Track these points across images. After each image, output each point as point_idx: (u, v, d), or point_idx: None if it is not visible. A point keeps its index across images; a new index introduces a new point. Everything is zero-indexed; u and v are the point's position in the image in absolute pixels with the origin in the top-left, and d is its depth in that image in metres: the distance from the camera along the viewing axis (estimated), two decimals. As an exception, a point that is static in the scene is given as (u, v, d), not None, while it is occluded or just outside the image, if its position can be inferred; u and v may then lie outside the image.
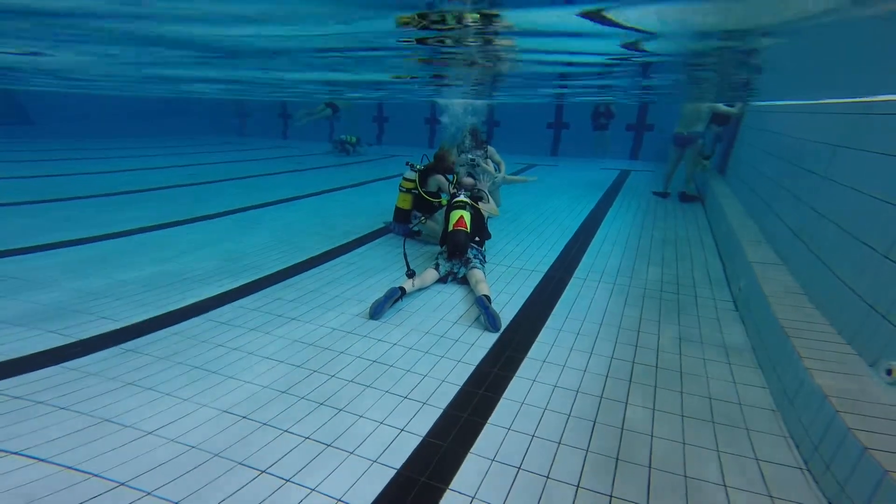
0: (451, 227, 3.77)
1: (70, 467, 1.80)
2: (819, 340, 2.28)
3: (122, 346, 2.69)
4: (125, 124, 15.82)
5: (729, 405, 2.30)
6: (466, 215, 3.80)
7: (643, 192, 8.05)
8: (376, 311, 3.06)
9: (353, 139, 12.55)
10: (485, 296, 3.16)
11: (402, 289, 3.25)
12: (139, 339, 2.76)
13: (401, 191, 4.85)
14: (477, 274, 3.53)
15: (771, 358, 2.48)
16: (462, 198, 3.98)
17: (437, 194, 4.76)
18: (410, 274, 3.55)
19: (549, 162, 12.41)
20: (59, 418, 2.07)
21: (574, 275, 4.06)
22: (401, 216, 4.94)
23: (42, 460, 1.83)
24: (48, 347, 2.65)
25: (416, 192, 4.70)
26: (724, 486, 1.82)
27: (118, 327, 2.90)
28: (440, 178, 4.66)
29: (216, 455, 1.89)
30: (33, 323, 2.91)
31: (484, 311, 3.02)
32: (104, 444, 1.93)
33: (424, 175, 4.70)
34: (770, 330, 2.55)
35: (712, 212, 6.09)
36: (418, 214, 4.81)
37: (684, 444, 2.03)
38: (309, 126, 12.97)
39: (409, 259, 3.81)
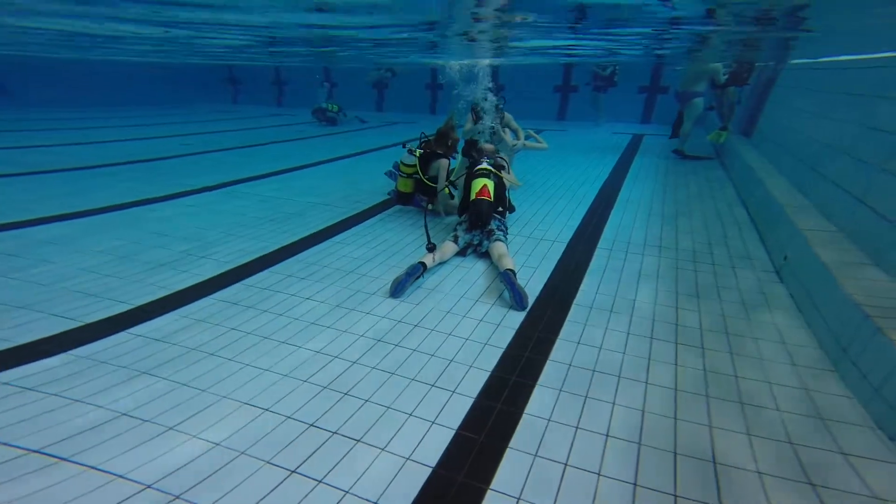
0: (473, 196, 3.50)
1: None
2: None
3: (132, 331, 2.49)
4: (112, 93, 15.22)
5: (792, 391, 2.10)
6: (490, 184, 3.52)
7: (660, 156, 7.72)
8: (398, 290, 2.85)
9: (335, 108, 11.96)
10: (510, 270, 2.93)
11: (423, 264, 3.02)
12: (142, 326, 2.56)
13: (401, 175, 4.46)
14: (500, 247, 3.29)
15: (839, 339, 2.24)
16: (485, 165, 3.69)
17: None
18: (431, 248, 3.30)
19: (557, 127, 11.96)
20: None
21: (598, 245, 3.83)
22: (404, 199, 4.59)
23: None
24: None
25: (417, 177, 4.34)
26: (811, 484, 1.64)
27: (111, 314, 2.70)
28: (443, 162, 4.27)
29: (240, 453, 1.71)
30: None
31: (510, 288, 2.80)
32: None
33: (425, 160, 4.31)
34: (838, 307, 2.30)
35: (739, 177, 5.77)
36: (423, 198, 4.48)
37: (749, 434, 1.84)
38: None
39: (429, 231, 3.55)
